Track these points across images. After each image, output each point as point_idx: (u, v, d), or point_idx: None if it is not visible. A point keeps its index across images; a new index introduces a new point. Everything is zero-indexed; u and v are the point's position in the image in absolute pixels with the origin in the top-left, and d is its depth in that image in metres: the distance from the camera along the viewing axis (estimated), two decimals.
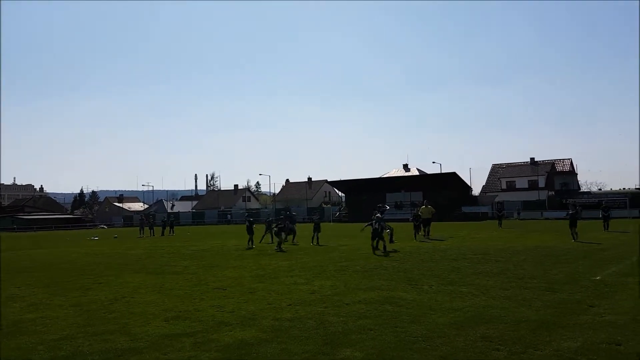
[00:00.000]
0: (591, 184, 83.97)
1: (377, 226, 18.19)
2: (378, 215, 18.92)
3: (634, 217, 46.96)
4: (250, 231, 23.34)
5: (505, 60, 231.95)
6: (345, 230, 35.38)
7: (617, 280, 10.71)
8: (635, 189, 70.56)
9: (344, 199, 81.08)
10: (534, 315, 7.60)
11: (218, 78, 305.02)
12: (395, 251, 18.21)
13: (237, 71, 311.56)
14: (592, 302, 8.40)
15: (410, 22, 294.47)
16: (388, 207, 22.39)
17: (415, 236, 24.74)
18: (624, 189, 69.72)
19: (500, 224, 35.07)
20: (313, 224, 25.06)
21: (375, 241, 18.18)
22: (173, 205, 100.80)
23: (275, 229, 22.34)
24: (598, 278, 11.01)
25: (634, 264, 13.43)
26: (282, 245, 21.08)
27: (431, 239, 24.25)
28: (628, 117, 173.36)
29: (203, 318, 8.10)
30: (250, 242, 22.96)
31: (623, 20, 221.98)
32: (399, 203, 64.51)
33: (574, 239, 20.92)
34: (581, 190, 70.68)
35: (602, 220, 28.50)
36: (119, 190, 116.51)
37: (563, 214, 29.21)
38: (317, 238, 23.38)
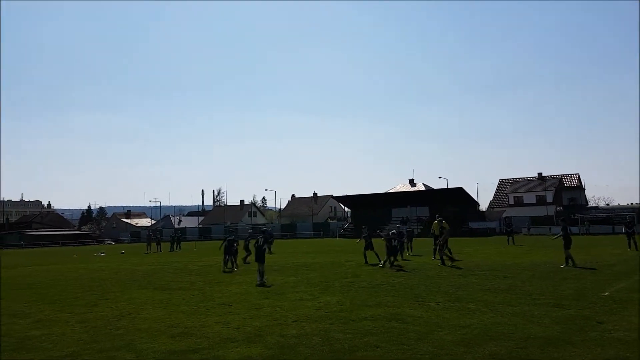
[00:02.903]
0: (599, 199, 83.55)
1: (395, 243, 18.48)
2: (393, 231, 19.18)
3: None
4: (229, 251, 20.20)
5: (512, 73, 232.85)
6: (351, 246, 35.30)
7: (625, 296, 10.60)
8: None
9: (349, 215, 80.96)
10: (542, 332, 7.52)
11: (226, 93, 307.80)
12: (400, 267, 18.07)
13: (244, 86, 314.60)
14: (600, 319, 8.32)
15: (414, 35, 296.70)
16: (399, 226, 21.69)
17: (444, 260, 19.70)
18: (631, 204, 69.20)
19: (510, 240, 32.65)
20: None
21: (391, 257, 18.49)
22: (180, 221, 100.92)
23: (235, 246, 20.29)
24: (607, 294, 10.90)
25: None
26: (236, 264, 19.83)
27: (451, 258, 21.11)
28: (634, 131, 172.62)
29: (209, 334, 8.09)
30: (230, 263, 20.08)
31: (624, 30, 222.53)
32: (405, 218, 64.33)
33: (567, 263, 17.24)
34: (589, 206, 70.23)
35: (625, 237, 25.10)
36: (126, 206, 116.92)
37: (573, 229, 26.51)
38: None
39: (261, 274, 14.89)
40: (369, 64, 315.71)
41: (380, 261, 18.92)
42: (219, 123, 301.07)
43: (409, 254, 24.45)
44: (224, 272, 18.92)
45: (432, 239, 22.16)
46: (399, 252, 20.66)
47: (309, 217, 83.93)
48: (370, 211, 66.69)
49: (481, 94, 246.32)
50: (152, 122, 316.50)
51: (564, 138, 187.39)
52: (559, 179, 75.54)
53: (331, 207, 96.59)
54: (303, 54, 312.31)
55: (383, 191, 77.94)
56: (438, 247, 21.05)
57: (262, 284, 14.32)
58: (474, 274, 15.83)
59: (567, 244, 17.39)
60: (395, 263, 18.31)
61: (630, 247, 23.89)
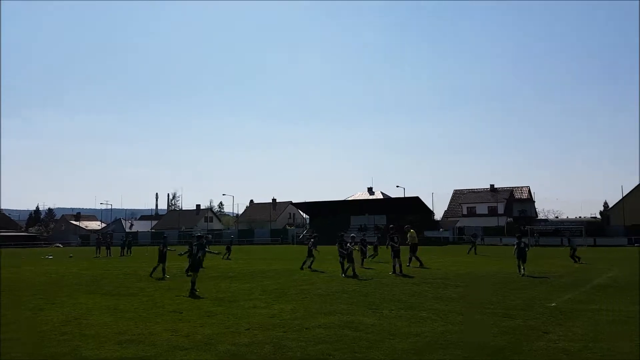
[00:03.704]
0: (548, 211, 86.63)
1: (348, 251, 18.59)
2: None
3: (589, 245, 48.42)
4: (163, 258, 19.19)
5: (470, 85, 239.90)
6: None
7: (571, 307, 10.95)
8: (591, 217, 73.18)
9: (308, 221, 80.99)
10: (491, 341, 7.66)
11: (182, 96, 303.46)
12: (356, 276, 18.06)
13: (200, 89, 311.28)
14: (546, 329, 8.55)
15: (372, 45, 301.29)
16: (354, 235, 21.70)
17: (395, 269, 19.08)
18: (580, 217, 72.11)
19: (471, 250, 33.37)
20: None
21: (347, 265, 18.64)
22: (132, 225, 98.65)
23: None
24: (553, 305, 11.25)
25: (588, 291, 13.79)
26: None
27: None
28: (585, 147, 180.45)
29: (157, 342, 7.85)
30: (157, 270, 19.13)
31: (579, 50, 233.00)
32: (363, 226, 64.90)
33: (520, 272, 18.01)
34: (539, 218, 72.72)
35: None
36: (76, 208, 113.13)
37: (523, 240, 27.05)
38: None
39: (193, 283, 13.81)
40: (330, 71, 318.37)
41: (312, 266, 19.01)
42: (177, 126, 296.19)
43: (370, 259, 24.91)
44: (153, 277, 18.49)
45: (410, 247, 22.43)
46: (358, 261, 20.94)
47: (268, 223, 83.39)
48: (329, 218, 67.01)
49: (440, 106, 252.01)
50: (106, 122, 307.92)
51: (516, 151, 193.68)
52: (510, 191, 78.00)
53: (290, 213, 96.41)
54: (264, 58, 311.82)
55: (342, 198, 78.48)
56: (410, 256, 21.85)
57: (194, 294, 13.33)
58: (427, 282, 16.06)
59: (520, 257, 18.23)
60: (349, 273, 18.28)
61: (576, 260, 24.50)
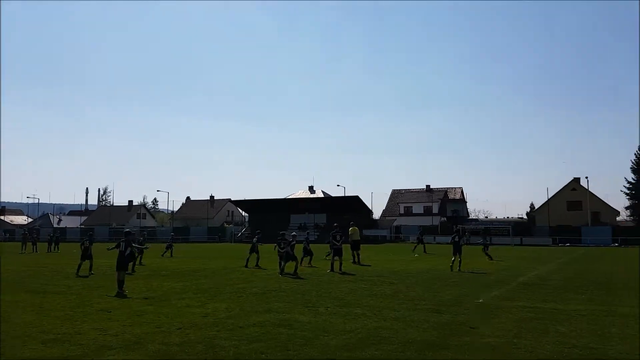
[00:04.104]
0: (479, 211, 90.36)
1: (287, 249, 18.37)
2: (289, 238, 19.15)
3: (516, 245, 50.90)
4: (88, 255, 18.77)
5: (408, 87, 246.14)
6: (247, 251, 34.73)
7: (498, 303, 11.46)
8: (518, 218, 76.90)
9: (247, 219, 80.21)
10: (421, 336, 7.89)
11: (122, 88, 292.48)
12: (295, 275, 17.99)
13: (143, 84, 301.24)
14: (474, 324, 8.89)
15: (326, 42, 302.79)
16: (295, 234, 21.42)
17: (334, 266, 19.22)
18: (508, 217, 75.63)
19: (421, 248, 33.08)
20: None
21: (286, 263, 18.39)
22: (60, 220, 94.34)
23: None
24: (481, 301, 11.73)
25: (513, 288, 14.48)
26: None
27: (362, 264, 22.07)
28: (514, 150, 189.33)
29: (84, 341, 7.53)
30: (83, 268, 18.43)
31: (514, 56, 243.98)
32: (303, 224, 65.05)
33: (454, 268, 19.10)
34: (470, 217, 75.67)
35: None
36: (0, 202, 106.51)
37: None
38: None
39: (120, 283, 13.05)
40: (274, 68, 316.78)
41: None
42: (111, 119, 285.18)
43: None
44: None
45: (350, 244, 22.60)
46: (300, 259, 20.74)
47: (205, 220, 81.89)
48: (268, 216, 66.64)
49: (383, 108, 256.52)
50: (37, 112, 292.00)
51: (450, 152, 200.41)
52: (445, 191, 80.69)
53: (228, 211, 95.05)
54: (208, 55, 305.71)
55: (283, 197, 78.30)
56: (358, 252, 22.21)
57: (121, 294, 12.66)
58: (363, 279, 16.33)
59: (458, 250, 19.57)
60: (287, 270, 18.21)
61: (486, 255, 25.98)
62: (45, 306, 10.94)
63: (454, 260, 19.47)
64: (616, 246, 49.00)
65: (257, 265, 21.27)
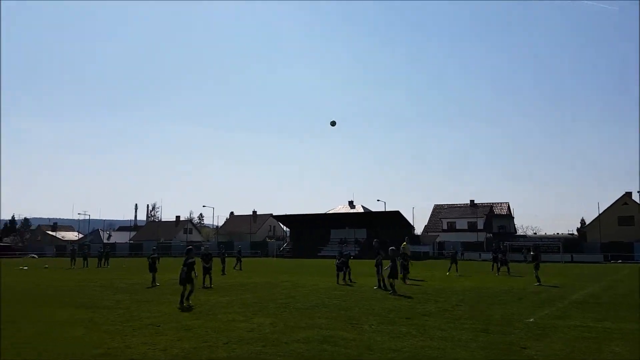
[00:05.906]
0: (527, 227, 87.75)
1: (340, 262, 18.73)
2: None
3: (566, 262, 49.05)
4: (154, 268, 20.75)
5: (451, 101, 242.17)
6: (288, 266, 35.02)
7: (549, 322, 11.05)
8: (568, 234, 74.35)
9: (288, 234, 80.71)
10: (469, 357, 7.68)
11: (170, 105, 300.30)
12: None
13: (184, 99, 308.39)
14: (524, 344, 8.60)
15: (363, 56, 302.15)
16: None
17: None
18: (557, 233, 73.17)
19: (452, 268, 29.70)
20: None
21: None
22: (110, 236, 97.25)
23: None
24: (531, 320, 11.34)
25: (565, 307, 13.94)
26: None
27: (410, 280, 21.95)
28: (563, 164, 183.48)
29: (133, 356, 7.70)
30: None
31: (561, 69, 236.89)
32: (343, 239, 64.86)
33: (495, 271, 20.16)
34: (517, 234, 73.58)
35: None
36: (53, 218, 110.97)
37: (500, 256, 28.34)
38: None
39: (181, 296, 13.78)
40: (313, 83, 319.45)
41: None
42: (158, 136, 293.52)
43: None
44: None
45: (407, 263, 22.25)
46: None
47: (248, 235, 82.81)
48: (309, 231, 66.84)
49: (423, 121, 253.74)
50: (85, 131, 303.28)
51: (496, 168, 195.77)
52: (490, 206, 78.86)
53: (270, 226, 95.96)
54: (252, 70, 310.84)
55: (323, 212, 78.42)
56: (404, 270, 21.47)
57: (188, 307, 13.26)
58: (407, 297, 16.07)
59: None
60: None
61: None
62: (95, 320, 11.25)
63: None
64: None
65: (350, 279, 21.51)
